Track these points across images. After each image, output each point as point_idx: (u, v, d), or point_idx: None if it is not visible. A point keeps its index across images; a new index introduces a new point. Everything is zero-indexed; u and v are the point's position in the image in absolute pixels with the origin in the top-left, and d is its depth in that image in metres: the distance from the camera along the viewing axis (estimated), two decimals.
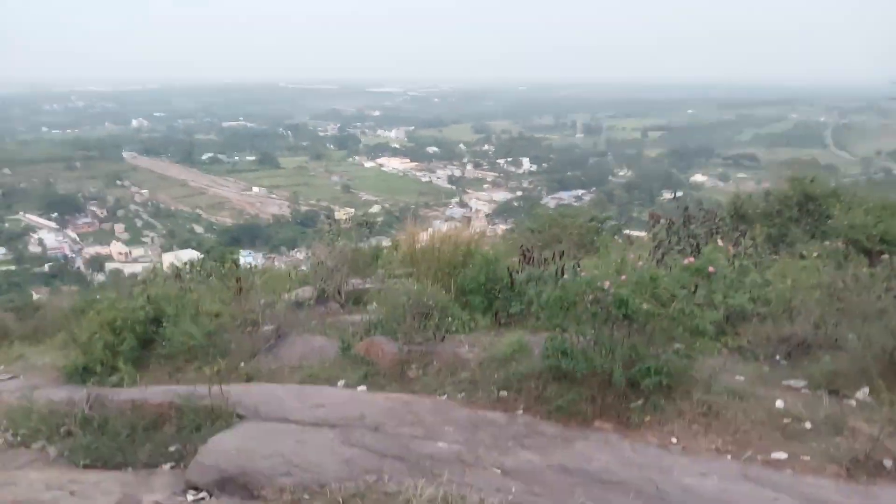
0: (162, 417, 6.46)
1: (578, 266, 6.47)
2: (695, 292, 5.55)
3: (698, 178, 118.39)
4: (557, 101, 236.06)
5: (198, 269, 11.86)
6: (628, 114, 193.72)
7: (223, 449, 5.12)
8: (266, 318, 9.73)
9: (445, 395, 6.39)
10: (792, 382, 6.23)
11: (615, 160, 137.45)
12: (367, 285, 13.37)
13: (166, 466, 5.55)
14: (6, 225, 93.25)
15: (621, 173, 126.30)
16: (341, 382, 7.21)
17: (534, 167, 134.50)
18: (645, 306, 5.38)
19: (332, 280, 12.77)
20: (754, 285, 7.73)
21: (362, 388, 6.98)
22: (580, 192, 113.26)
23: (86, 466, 6.13)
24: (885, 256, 8.54)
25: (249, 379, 8.07)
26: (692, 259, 5.72)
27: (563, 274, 6.26)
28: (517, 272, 6.90)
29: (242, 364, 8.54)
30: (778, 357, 7.16)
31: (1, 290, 72.44)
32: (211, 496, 4.84)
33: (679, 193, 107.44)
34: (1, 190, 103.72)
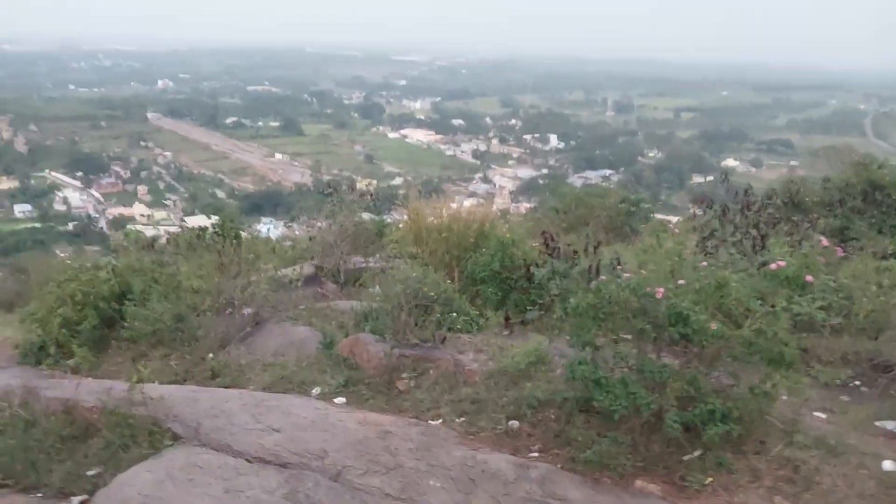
0: (93, 426, 5.24)
1: (619, 263, 5.05)
2: (776, 307, 4.10)
3: (730, 162, 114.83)
4: (588, 77, 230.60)
5: (184, 238, 10.56)
6: (661, 93, 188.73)
7: (126, 496, 3.88)
8: (247, 298, 8.46)
9: (440, 420, 5.07)
10: (890, 426, 4.81)
11: (645, 140, 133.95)
12: (370, 264, 12.08)
13: (76, 499, 4.33)
14: (32, 182, 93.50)
15: (651, 154, 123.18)
16: (316, 390, 5.93)
17: (561, 144, 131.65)
18: (713, 325, 3.98)
19: (332, 256, 11.49)
20: (824, 289, 6.26)
21: (340, 399, 5.69)
22: (608, 171, 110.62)
23: None
24: None
25: (214, 375, 6.83)
26: (780, 262, 4.23)
27: (597, 272, 4.87)
28: (537, 264, 5.50)
29: (211, 356, 7.31)
30: (858, 383, 5.73)
31: (25, 247, 72.83)
32: None
33: (710, 177, 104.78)
34: (27, 146, 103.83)
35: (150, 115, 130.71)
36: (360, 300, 9.03)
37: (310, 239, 11.19)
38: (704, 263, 4.38)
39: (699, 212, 9.10)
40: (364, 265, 11.94)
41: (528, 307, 6.85)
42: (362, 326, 6.98)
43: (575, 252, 4.62)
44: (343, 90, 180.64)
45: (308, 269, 11.78)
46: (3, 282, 14.77)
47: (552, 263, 4.65)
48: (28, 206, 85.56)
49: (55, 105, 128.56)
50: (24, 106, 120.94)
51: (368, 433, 4.59)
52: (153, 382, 6.96)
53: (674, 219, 26.31)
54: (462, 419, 5.03)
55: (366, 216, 12.89)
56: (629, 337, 4.40)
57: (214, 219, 16.07)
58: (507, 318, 6.69)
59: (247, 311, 8.61)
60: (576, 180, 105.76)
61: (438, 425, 4.96)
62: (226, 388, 6.39)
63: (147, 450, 4.62)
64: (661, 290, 4.09)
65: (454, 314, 6.85)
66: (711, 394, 4.18)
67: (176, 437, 4.73)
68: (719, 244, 7.14)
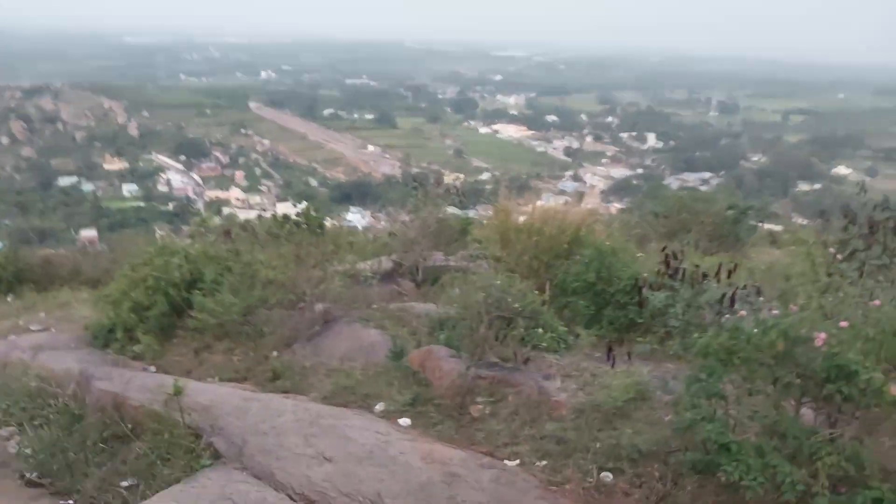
0: (138, 427, 4.81)
1: (759, 293, 4.00)
2: None
3: (841, 170, 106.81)
4: (692, 75, 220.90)
5: (263, 226, 10.26)
6: (770, 94, 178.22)
7: None
8: (320, 294, 7.96)
9: (517, 461, 4.28)
10: None
11: (750, 143, 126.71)
12: (451, 263, 11.40)
13: None
14: (140, 164, 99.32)
15: (755, 158, 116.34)
16: (379, 406, 5.28)
17: (659, 144, 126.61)
18: (894, 389, 2.98)
19: (412, 253, 10.89)
20: None
21: (405, 421, 5.02)
22: (707, 174, 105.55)
23: (28, 483, 4.63)
24: None
25: (275, 377, 6.33)
26: None
27: (731, 303, 3.89)
28: (650, 285, 4.54)
29: (275, 353, 6.83)
30: None
31: (130, 225, 77.64)
32: None
33: (818, 185, 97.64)
34: (139, 131, 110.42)
35: (251, 104, 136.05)
36: (438, 303, 8.36)
37: (389, 235, 10.60)
38: (877, 302, 3.34)
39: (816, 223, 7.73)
40: (445, 263, 11.29)
41: (627, 327, 5.92)
42: (437, 335, 6.28)
43: (704, 276, 3.71)
44: (438, 85, 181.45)
45: (387, 264, 11.25)
46: (95, 259, 15.13)
47: (672, 287, 3.76)
48: (135, 186, 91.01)
49: (166, 93, 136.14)
50: (138, 93, 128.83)
51: (433, 475, 3.86)
52: (212, 378, 6.57)
53: (776, 227, 24.19)
54: (544, 462, 4.22)
55: (451, 211, 12.23)
56: (766, 387, 3.44)
57: (301, 206, 15.95)
58: (609, 348, 5.74)
59: (318, 306, 8.12)
60: (673, 182, 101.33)
61: (516, 468, 4.17)
62: (285, 392, 5.87)
63: (182, 470, 4.11)
64: (823, 335, 3.11)
65: (540, 330, 6.02)
66: (878, 476, 3.16)
67: (216, 455, 4.20)
68: (862, 267, 5.91)
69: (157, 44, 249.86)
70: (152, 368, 7.14)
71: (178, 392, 4.36)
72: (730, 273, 4.19)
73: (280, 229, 10.01)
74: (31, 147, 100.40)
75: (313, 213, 15.73)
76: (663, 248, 3.80)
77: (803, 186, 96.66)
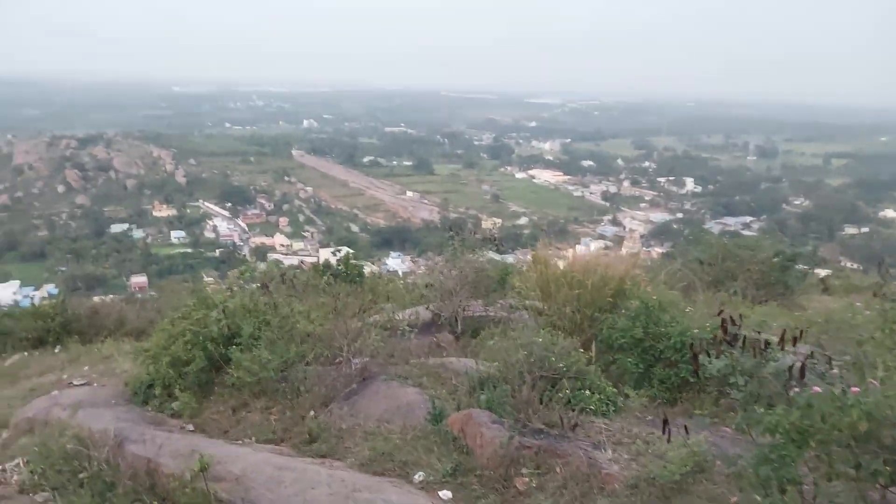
0: (169, 496, 4.66)
1: (829, 363, 3.66)
2: None
3: (889, 213, 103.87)
4: (729, 120, 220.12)
5: (301, 278, 10.22)
6: (809, 138, 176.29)
7: None
8: (357, 348, 7.80)
9: None
10: None
11: (790, 187, 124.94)
12: (490, 313, 11.17)
13: None
14: (188, 211, 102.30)
15: (797, 202, 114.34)
16: (419, 476, 5.02)
17: (698, 188, 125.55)
18: None
19: (450, 303, 10.71)
20: None
21: (446, 493, 4.75)
22: (748, 218, 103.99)
23: None
24: None
25: (312, 439, 6.14)
26: None
27: (801, 375, 3.57)
28: (707, 351, 4.16)
29: (312, 413, 6.66)
30: None
31: (178, 271, 79.62)
32: None
33: (865, 228, 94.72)
34: (186, 178, 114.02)
35: (294, 152, 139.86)
36: (478, 357, 8.12)
37: (426, 286, 10.44)
38: None
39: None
40: (484, 314, 11.07)
41: (679, 386, 5.58)
42: (477, 396, 6.03)
43: (766, 344, 3.42)
44: (474, 132, 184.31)
45: (425, 314, 11.07)
46: (140, 308, 15.34)
47: (731, 355, 3.49)
48: (182, 233, 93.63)
49: (212, 141, 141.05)
50: (185, 142, 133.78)
51: None
52: (249, 439, 6.42)
53: (824, 272, 23.23)
54: None
55: (489, 256, 12.05)
56: (847, 471, 3.10)
57: (342, 251, 15.94)
58: (665, 421, 5.36)
59: (356, 361, 7.97)
60: (713, 226, 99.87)
61: None
62: (321, 456, 5.67)
63: None
64: None
65: (587, 391, 5.74)
66: None
67: None
68: None
69: (204, 93, 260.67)
70: (190, 427, 7.03)
71: (203, 468, 4.19)
72: (795, 340, 3.85)
73: (318, 280, 9.96)
74: (86, 195, 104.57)
75: (352, 262, 15.78)
76: (719, 312, 3.52)
77: (850, 230, 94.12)
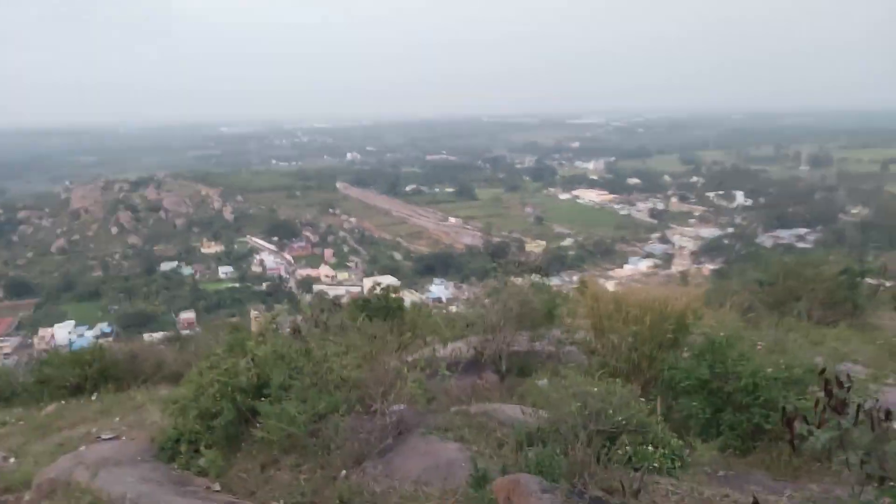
0: None
1: None
2: None
3: None
4: (778, 131, 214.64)
5: (335, 321, 9.70)
6: (865, 144, 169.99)
7: None
8: (393, 398, 7.23)
9: None
10: None
11: (847, 196, 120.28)
12: (537, 347, 10.47)
13: None
14: (235, 246, 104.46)
15: (854, 211, 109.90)
16: None
17: (749, 201, 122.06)
18: None
19: (494, 340, 10.06)
20: None
21: None
22: (803, 230, 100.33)
23: None
24: None
25: (342, 503, 5.56)
26: None
27: None
28: (805, 419, 3.33)
29: (344, 473, 6.09)
30: None
31: (225, 305, 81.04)
32: None
33: None
34: (234, 215, 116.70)
35: (338, 184, 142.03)
36: (525, 401, 7.46)
37: (467, 326, 9.83)
38: None
39: None
40: (531, 349, 10.40)
41: (752, 434, 4.81)
42: (525, 453, 5.36)
43: (887, 414, 2.71)
44: (516, 155, 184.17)
45: (467, 351, 10.44)
46: (179, 351, 15.13)
47: (840, 424, 2.79)
48: (230, 268, 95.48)
49: (259, 178, 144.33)
50: (233, 179, 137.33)
51: None
52: (276, 502, 5.89)
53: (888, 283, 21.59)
54: None
55: (534, 280, 11.37)
56: None
57: (382, 284, 15.47)
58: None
59: (393, 410, 7.40)
60: (766, 239, 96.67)
61: None
62: None
63: None
64: None
65: (650, 447, 5.01)
66: None
67: None
68: None
69: (250, 132, 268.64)
70: (217, 486, 6.57)
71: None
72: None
73: (354, 319, 9.48)
74: (137, 235, 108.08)
75: (392, 295, 15.28)
76: (821, 371, 2.82)
77: None
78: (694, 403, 6.02)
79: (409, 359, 10.16)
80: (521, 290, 10.18)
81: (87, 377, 12.49)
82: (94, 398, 11.60)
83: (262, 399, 7.15)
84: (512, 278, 11.13)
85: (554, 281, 12.20)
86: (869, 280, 16.71)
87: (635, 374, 6.59)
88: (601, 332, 7.15)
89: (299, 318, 8.84)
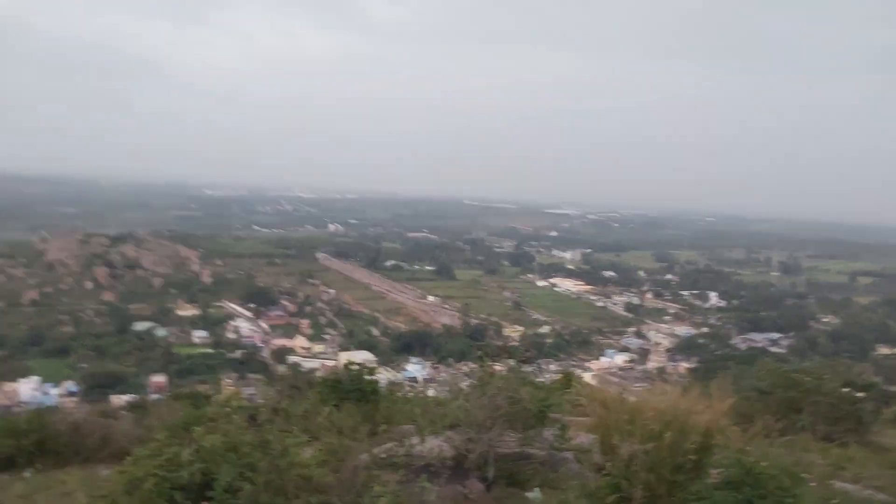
0: None
1: None
2: None
3: None
4: (749, 236, 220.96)
5: (300, 407, 8.41)
6: (832, 255, 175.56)
7: None
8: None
9: None
10: None
11: (817, 304, 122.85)
12: (529, 450, 9.34)
13: None
14: (211, 310, 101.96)
15: (825, 319, 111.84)
16: None
17: (722, 303, 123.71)
18: None
19: (479, 441, 8.92)
20: None
21: None
22: (776, 335, 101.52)
23: None
24: None
25: None
26: None
27: None
28: None
29: None
30: None
31: (198, 371, 77.93)
32: None
33: None
34: (212, 278, 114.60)
35: (319, 255, 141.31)
36: None
37: (450, 426, 8.75)
38: None
39: None
40: (521, 451, 9.26)
41: None
42: None
43: None
44: (495, 239, 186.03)
45: (448, 449, 9.24)
46: (128, 425, 13.58)
47: None
48: (205, 332, 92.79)
49: (240, 243, 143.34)
50: (214, 242, 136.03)
51: None
52: None
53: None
54: None
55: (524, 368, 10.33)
56: None
57: (356, 366, 14.27)
58: None
59: None
60: (740, 342, 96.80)
61: None
62: None
63: None
64: None
65: None
66: None
67: None
68: None
69: (234, 196, 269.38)
70: None
71: None
72: None
73: (320, 408, 8.34)
74: (113, 292, 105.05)
75: (367, 377, 14.07)
76: None
77: (883, 350, 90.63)
78: None
79: (383, 455, 9.01)
80: (509, 384, 9.13)
81: (22, 449, 11.02)
82: (26, 475, 10.16)
83: (206, 502, 5.96)
84: (497, 367, 10.11)
85: (528, 369, 11.13)
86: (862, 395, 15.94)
87: (652, 502, 5.57)
88: (610, 448, 6.14)
89: (259, 400, 7.71)
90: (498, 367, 10.16)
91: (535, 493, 7.85)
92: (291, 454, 6.83)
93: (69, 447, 11.73)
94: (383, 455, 9.06)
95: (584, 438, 9.30)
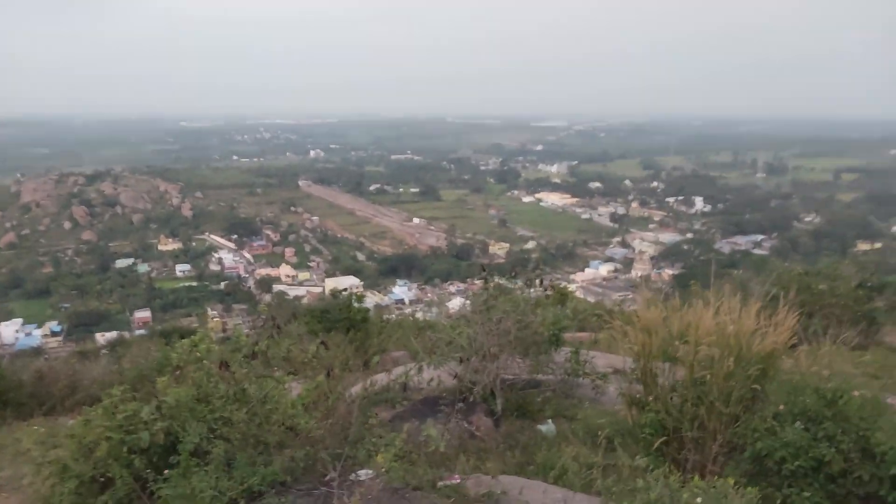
0: None
1: None
2: None
3: None
4: (736, 138, 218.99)
5: (282, 348, 7.25)
6: (818, 153, 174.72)
7: None
8: (356, 461, 5.19)
9: None
10: None
11: (801, 204, 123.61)
12: (540, 376, 8.47)
13: None
14: (193, 244, 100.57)
15: (808, 219, 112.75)
16: None
17: (707, 207, 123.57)
18: None
19: (485, 370, 8.00)
20: None
21: None
22: (759, 237, 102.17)
23: None
24: None
25: None
26: None
27: None
28: None
29: None
30: None
31: (182, 305, 77.44)
32: None
33: (878, 244, 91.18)
34: (192, 211, 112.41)
35: (301, 182, 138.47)
36: (529, 456, 5.50)
37: (447, 344, 7.82)
38: None
39: None
40: (532, 379, 8.40)
41: None
42: None
43: None
44: (480, 157, 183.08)
45: (448, 380, 8.33)
46: (96, 370, 12.59)
47: None
48: (188, 266, 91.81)
49: (219, 174, 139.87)
50: (193, 175, 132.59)
51: None
52: None
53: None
54: None
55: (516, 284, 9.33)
56: None
57: (345, 292, 13.30)
58: None
59: (359, 475, 5.36)
60: (724, 245, 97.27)
61: None
62: None
63: None
64: None
65: None
66: None
67: None
68: None
69: (211, 127, 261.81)
70: None
71: None
72: None
73: (306, 349, 7.29)
74: (92, 231, 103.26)
75: (356, 305, 13.13)
76: None
77: (863, 246, 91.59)
78: (805, 493, 4.06)
79: (377, 390, 8.11)
80: (517, 306, 8.11)
81: None
82: None
83: (168, 469, 4.98)
84: (505, 284, 9.06)
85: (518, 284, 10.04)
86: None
87: (702, 441, 4.63)
88: (651, 380, 5.15)
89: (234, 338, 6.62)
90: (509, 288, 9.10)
91: (548, 426, 7.02)
92: (271, 401, 5.82)
93: (34, 397, 10.79)
94: (377, 390, 8.19)
95: (601, 360, 8.43)
